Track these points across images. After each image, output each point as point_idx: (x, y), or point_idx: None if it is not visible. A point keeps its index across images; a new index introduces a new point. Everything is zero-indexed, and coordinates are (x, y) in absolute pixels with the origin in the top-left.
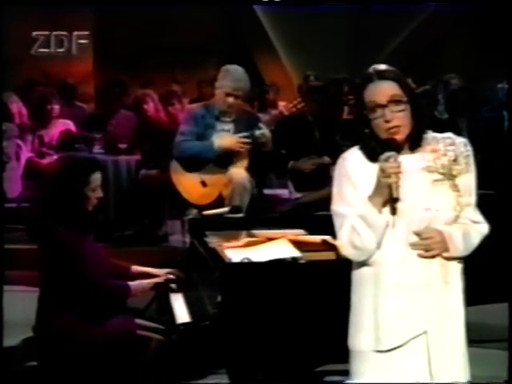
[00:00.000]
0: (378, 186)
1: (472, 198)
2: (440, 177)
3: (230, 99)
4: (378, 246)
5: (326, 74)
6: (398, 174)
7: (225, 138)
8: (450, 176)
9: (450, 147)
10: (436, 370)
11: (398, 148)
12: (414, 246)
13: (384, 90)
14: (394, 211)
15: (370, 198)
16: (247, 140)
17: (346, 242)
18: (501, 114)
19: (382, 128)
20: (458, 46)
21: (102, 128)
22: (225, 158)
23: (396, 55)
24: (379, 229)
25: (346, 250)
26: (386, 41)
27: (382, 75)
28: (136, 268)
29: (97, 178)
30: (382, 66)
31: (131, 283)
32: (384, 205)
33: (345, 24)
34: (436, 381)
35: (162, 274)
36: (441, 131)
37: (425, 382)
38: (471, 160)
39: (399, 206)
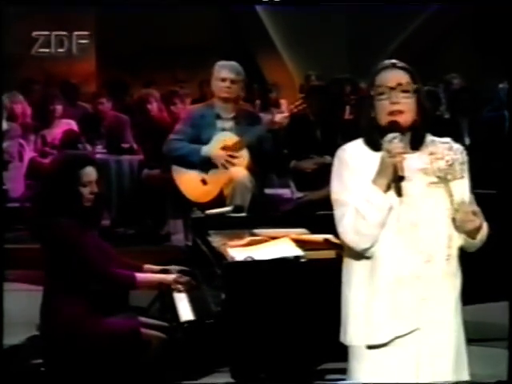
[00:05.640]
0: (383, 168)
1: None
2: (436, 180)
3: (227, 83)
4: (381, 229)
5: (327, 73)
6: (402, 154)
7: (212, 148)
8: (444, 180)
9: (447, 152)
10: (425, 368)
11: (399, 132)
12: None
13: (395, 76)
14: (399, 192)
15: (374, 180)
16: (233, 159)
17: (350, 229)
18: (502, 113)
19: (385, 110)
20: (459, 45)
21: (96, 129)
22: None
23: (397, 55)
24: (383, 211)
25: (349, 237)
26: (387, 41)
27: (395, 65)
28: (148, 267)
29: (87, 173)
30: (397, 60)
31: (138, 274)
32: (388, 187)
33: (345, 24)
34: (424, 379)
35: (171, 278)
36: (442, 130)
37: (421, 383)
38: (466, 167)
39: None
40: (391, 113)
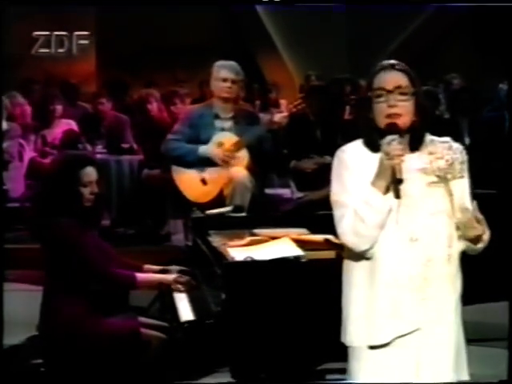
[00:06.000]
0: (382, 170)
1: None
2: (435, 179)
3: (228, 83)
4: (380, 230)
5: (327, 73)
6: (401, 156)
7: (210, 147)
8: (444, 180)
9: (446, 151)
10: (425, 368)
11: (397, 134)
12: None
13: (393, 79)
14: (397, 194)
15: (373, 182)
16: (230, 159)
17: (349, 230)
18: (502, 113)
19: (383, 112)
20: (459, 45)
21: (96, 129)
22: (209, 163)
23: (397, 55)
24: (383, 213)
25: (348, 239)
26: (387, 41)
27: (394, 67)
28: (148, 267)
29: (87, 173)
30: (396, 61)
31: (138, 274)
32: (387, 189)
33: (345, 24)
34: (424, 379)
35: (171, 278)
36: (442, 131)
37: (421, 383)
38: (465, 166)
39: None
40: (389, 115)
